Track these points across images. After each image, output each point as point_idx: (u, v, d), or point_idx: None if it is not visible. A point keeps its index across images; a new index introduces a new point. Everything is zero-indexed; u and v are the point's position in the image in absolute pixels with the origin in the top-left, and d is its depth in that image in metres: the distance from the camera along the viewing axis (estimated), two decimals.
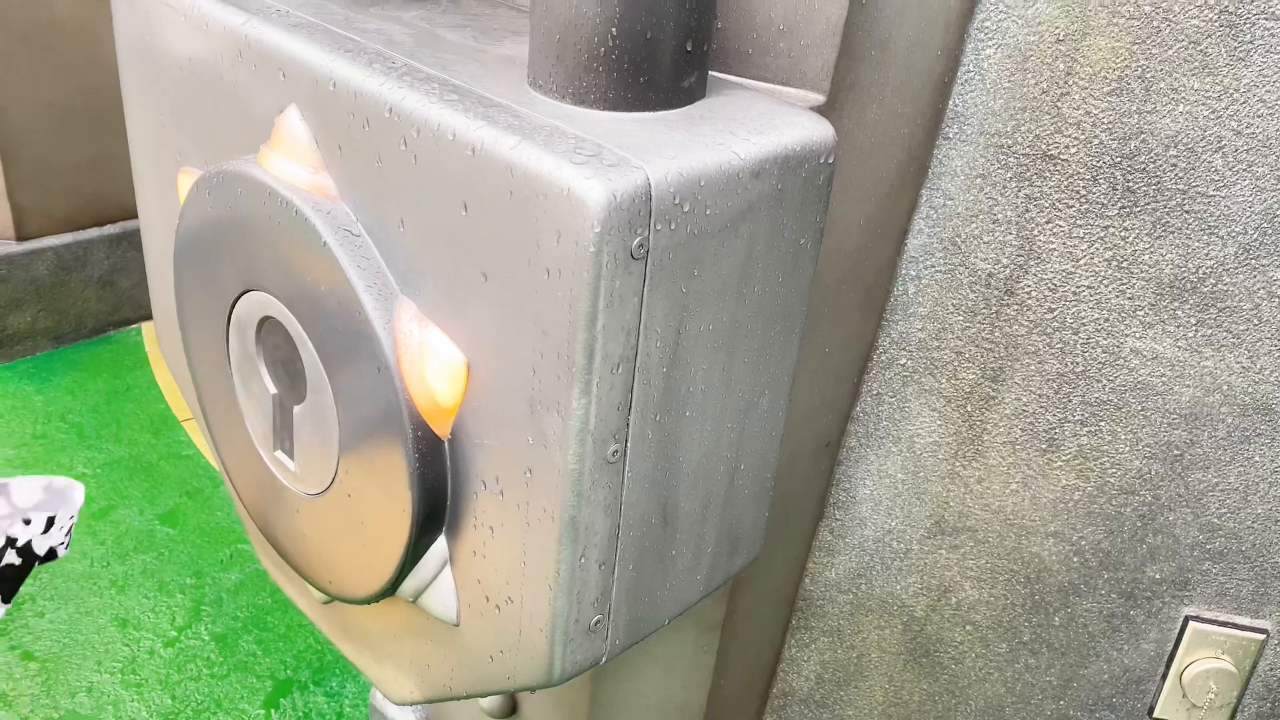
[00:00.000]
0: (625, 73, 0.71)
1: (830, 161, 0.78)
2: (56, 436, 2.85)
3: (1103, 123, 1.05)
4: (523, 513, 0.77)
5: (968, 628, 1.31)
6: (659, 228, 0.67)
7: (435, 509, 0.84)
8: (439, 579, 0.87)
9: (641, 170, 0.65)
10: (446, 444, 0.81)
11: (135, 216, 3.31)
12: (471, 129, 0.68)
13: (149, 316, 3.42)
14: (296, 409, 0.91)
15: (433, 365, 0.78)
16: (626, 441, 0.74)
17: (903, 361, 1.18)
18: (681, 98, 0.75)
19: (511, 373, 0.73)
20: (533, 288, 0.68)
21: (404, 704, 1.02)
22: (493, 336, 0.73)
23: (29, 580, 2.36)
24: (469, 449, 0.80)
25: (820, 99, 0.89)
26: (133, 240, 3.29)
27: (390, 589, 0.89)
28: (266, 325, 0.92)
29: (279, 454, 0.96)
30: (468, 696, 0.93)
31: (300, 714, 2.11)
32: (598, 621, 0.81)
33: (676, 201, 0.67)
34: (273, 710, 2.11)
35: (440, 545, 0.86)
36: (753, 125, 0.74)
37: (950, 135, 1.08)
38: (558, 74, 0.73)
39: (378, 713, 1.64)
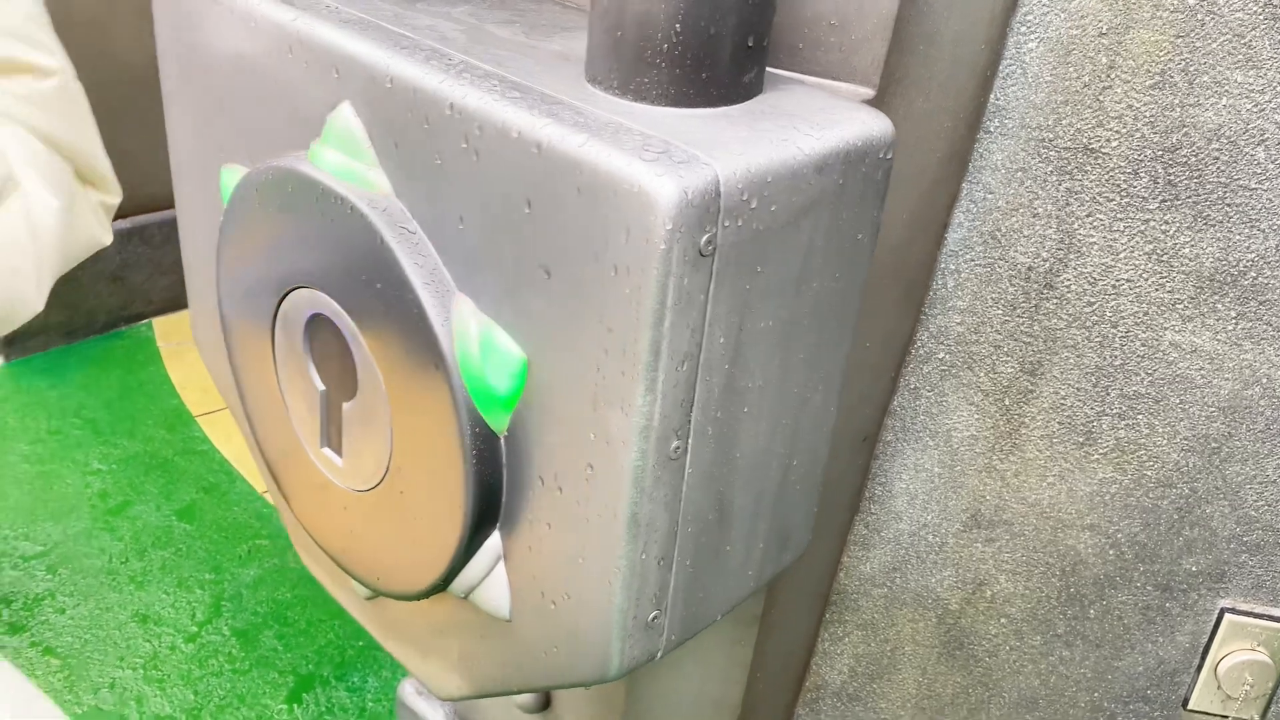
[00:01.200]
0: (688, 69, 0.71)
1: (889, 156, 0.78)
2: (71, 432, 2.85)
3: (1145, 116, 1.04)
4: (582, 509, 0.77)
5: (1002, 620, 1.31)
6: (726, 225, 0.67)
7: (490, 505, 0.84)
8: (492, 575, 0.87)
9: (710, 167, 0.65)
10: (502, 440, 0.81)
11: (146, 211, 3.30)
12: (537, 126, 0.68)
13: (160, 311, 3.42)
14: (346, 405, 0.91)
15: (491, 362, 0.78)
16: (688, 438, 0.74)
17: (941, 355, 1.18)
18: (741, 93, 0.75)
19: (573, 370, 0.73)
20: (598, 285, 0.68)
21: (450, 699, 1.02)
22: (554, 333, 0.73)
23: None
24: (526, 445, 0.80)
25: (870, 93, 0.89)
26: (144, 235, 3.29)
27: (442, 585, 0.89)
28: (315, 322, 0.91)
29: (326, 450, 0.96)
30: (518, 692, 0.93)
31: (323, 709, 2.11)
32: (655, 617, 0.81)
33: (744, 198, 0.67)
34: (295, 705, 2.11)
35: (494, 541, 0.86)
36: (814, 120, 0.74)
37: (991, 129, 1.07)
38: (618, 70, 0.73)
39: (406, 708, 1.64)
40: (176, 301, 3.42)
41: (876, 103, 0.89)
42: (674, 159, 0.64)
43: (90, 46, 3.01)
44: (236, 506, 2.63)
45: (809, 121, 0.73)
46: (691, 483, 0.76)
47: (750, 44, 0.73)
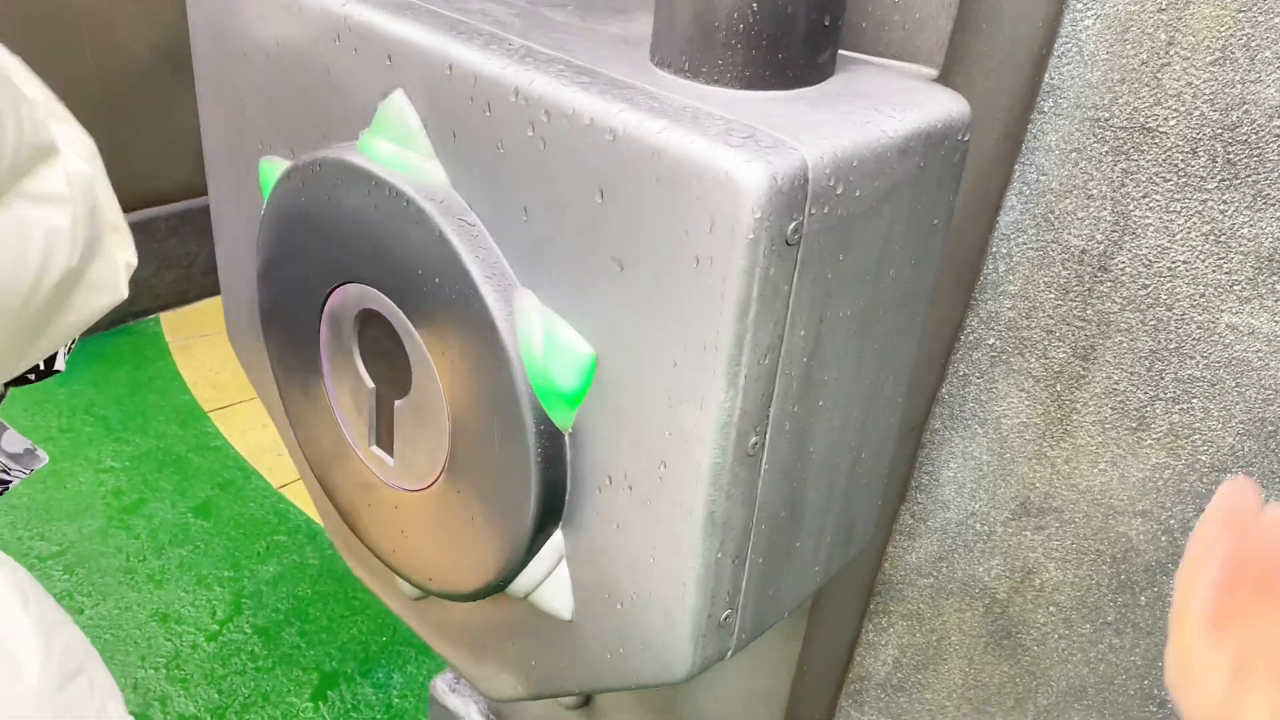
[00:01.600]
0: (764, 50, 0.69)
1: (966, 139, 0.76)
2: (83, 430, 2.82)
3: (1204, 93, 1.02)
4: (654, 507, 0.74)
5: (1051, 609, 1.29)
6: (813, 212, 0.64)
7: (554, 504, 0.81)
8: (554, 575, 0.85)
9: (798, 152, 0.62)
10: (567, 437, 0.79)
11: (151, 205, 3.27)
12: (611, 112, 0.65)
13: (167, 306, 3.39)
14: (398, 403, 0.89)
15: (556, 358, 0.75)
16: (766, 434, 0.71)
17: (991, 341, 1.16)
18: (816, 75, 0.72)
19: (647, 365, 0.70)
20: (677, 277, 0.66)
21: (505, 700, 1.00)
22: (626, 328, 0.71)
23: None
24: (593, 442, 0.77)
25: (933, 73, 0.86)
26: (149, 229, 3.25)
27: (501, 585, 0.87)
28: (365, 318, 0.89)
29: (375, 450, 0.94)
30: (579, 693, 0.91)
31: (348, 705, 2.09)
32: (727, 616, 0.79)
33: (831, 183, 0.64)
34: (320, 703, 2.09)
35: (556, 540, 0.84)
36: (894, 102, 0.71)
37: (1045, 109, 1.05)
38: (690, 53, 0.70)
39: (439, 704, 1.62)
40: (184, 296, 3.39)
41: (940, 83, 0.87)
42: (760, 144, 0.62)
43: (94, 39, 2.98)
44: (252, 502, 2.60)
45: (889, 103, 0.71)
46: (767, 479, 0.74)
47: (826, 23, 0.70)
